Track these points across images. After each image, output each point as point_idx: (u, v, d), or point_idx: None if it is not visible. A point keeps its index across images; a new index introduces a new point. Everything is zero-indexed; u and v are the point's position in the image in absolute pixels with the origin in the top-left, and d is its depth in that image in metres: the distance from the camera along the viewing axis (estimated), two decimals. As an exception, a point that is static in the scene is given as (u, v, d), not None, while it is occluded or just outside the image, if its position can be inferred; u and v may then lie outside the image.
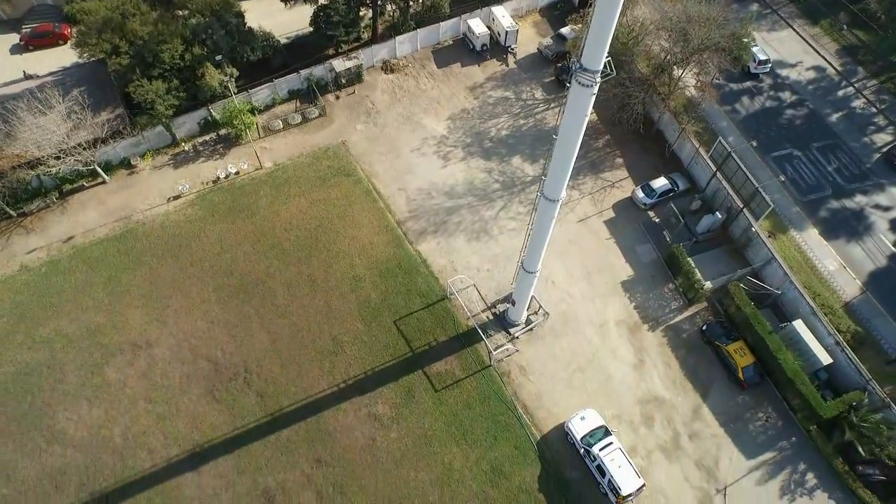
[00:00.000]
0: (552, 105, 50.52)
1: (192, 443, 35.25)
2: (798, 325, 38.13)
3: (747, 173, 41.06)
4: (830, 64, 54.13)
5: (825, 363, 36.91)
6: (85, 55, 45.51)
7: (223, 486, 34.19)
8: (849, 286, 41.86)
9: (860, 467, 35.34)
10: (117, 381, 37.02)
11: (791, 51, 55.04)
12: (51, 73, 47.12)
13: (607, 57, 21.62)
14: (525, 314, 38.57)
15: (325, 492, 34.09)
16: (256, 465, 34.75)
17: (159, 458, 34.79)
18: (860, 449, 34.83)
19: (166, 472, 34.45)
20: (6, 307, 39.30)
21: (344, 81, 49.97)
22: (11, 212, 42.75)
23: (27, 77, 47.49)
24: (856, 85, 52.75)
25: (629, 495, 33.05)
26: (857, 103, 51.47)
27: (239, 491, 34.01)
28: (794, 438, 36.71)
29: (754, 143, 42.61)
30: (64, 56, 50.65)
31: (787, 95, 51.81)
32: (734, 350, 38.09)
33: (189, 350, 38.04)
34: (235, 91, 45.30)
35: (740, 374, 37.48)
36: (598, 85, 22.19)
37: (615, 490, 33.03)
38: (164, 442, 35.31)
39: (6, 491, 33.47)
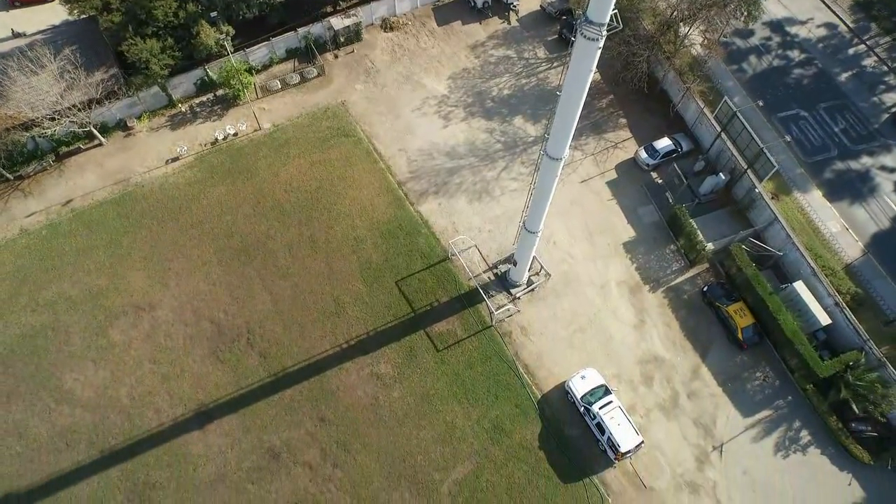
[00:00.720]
0: (555, 64, 49.47)
1: (198, 402, 35.82)
2: (798, 286, 38.20)
3: (752, 133, 40.45)
4: (842, 20, 52.71)
5: (824, 324, 37.14)
6: (75, 12, 44.20)
7: (229, 444, 34.89)
8: (851, 248, 41.77)
9: (853, 424, 36.01)
10: (122, 342, 37.37)
11: (802, 7, 53.54)
12: (40, 32, 45.90)
13: (613, 9, 20.96)
14: (526, 275, 38.63)
15: (329, 449, 34.81)
16: (261, 423, 35.39)
17: (166, 418, 35.41)
18: (854, 407, 35.39)
19: (173, 431, 35.13)
20: (8, 270, 39.38)
21: (342, 40, 48.80)
22: (8, 175, 42.37)
23: (15, 35, 46.29)
24: (868, 42, 51.48)
25: (628, 452, 33.73)
26: (868, 61, 50.29)
27: (245, 448, 34.73)
28: (790, 397, 37.26)
29: (760, 103, 41.92)
30: (53, 13, 49.20)
31: (795, 54, 50.65)
32: (734, 311, 38.28)
33: (192, 312, 38.27)
34: (232, 50, 44.23)
35: (740, 335, 37.76)
36: (603, 39, 21.59)
37: (614, 447, 33.69)
38: (170, 402, 35.87)
39: (20, 448, 34.25)
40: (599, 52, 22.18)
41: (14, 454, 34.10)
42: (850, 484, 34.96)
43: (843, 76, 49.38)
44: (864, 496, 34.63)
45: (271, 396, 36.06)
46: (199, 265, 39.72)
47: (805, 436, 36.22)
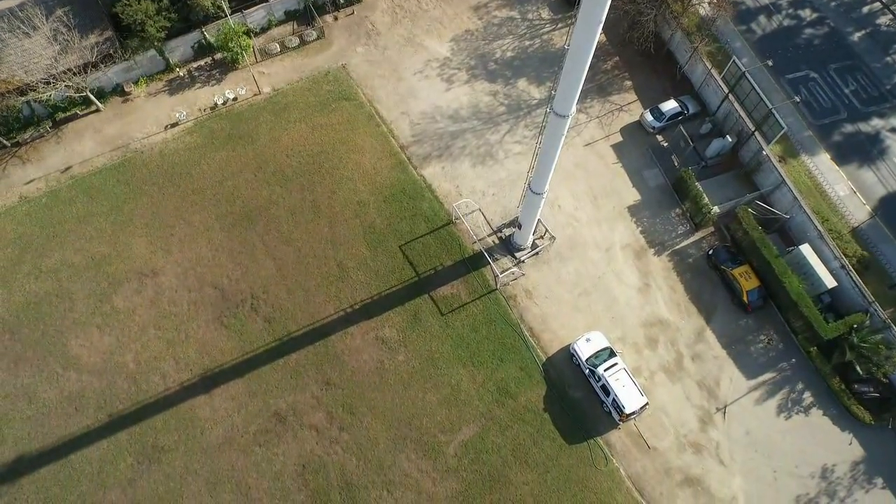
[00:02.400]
0: (559, 25, 48.31)
1: (203, 367, 35.98)
2: (805, 249, 37.99)
3: (761, 94, 39.68)
4: (855, -23, 51.21)
5: (829, 286, 37.04)
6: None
7: (235, 408, 35.16)
8: (858, 211, 41.42)
9: (856, 385, 36.23)
10: (126, 309, 37.35)
11: (813, -36, 51.97)
12: (29, -9, 44.62)
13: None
14: (531, 238, 38.37)
15: (335, 412, 35.09)
16: (267, 388, 35.60)
17: (172, 383, 35.61)
18: (858, 368, 35.53)
19: (180, 396, 35.37)
20: (10, 238, 39.16)
21: (342, 1, 47.59)
22: (5, 142, 41.79)
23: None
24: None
25: (632, 413, 33.96)
26: (883, 20, 48.99)
27: (251, 412, 35.01)
28: (793, 360, 37.40)
29: (770, 63, 40.93)
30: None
31: (807, 13, 49.36)
32: (739, 274, 38.12)
33: (195, 278, 38.16)
34: (229, 12, 43.17)
35: (745, 298, 37.67)
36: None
37: (619, 408, 33.90)
38: (176, 367, 36.04)
39: (30, 412, 34.57)
40: None
41: (25, 418, 34.44)
42: (850, 444, 35.35)
43: (856, 36, 48.20)
44: (863, 455, 35.06)
45: (276, 361, 36.20)
46: (201, 231, 39.47)
47: (808, 397, 36.47)
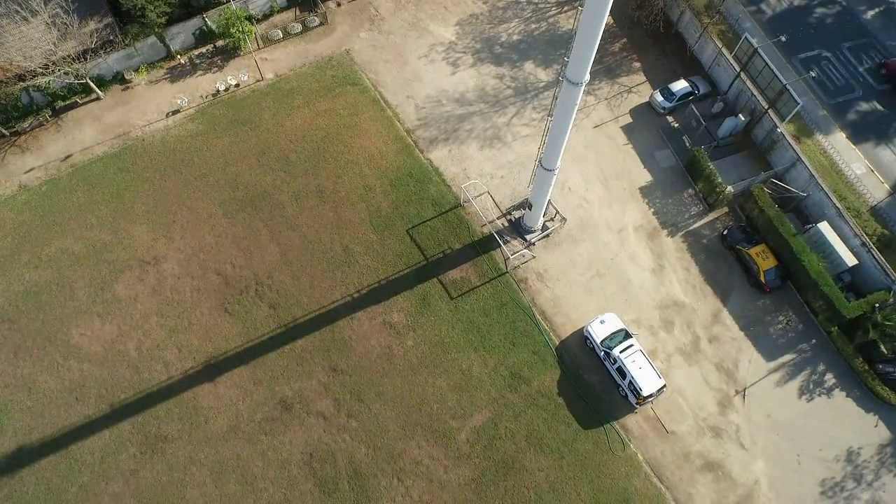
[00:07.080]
0: (565, 9, 47.55)
1: (207, 355, 35.07)
2: (823, 227, 37.01)
3: (774, 70, 38.80)
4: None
5: (850, 265, 36.05)
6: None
7: (240, 396, 34.23)
8: (876, 190, 40.39)
9: (880, 366, 35.13)
10: (127, 297, 36.51)
11: (823, -56, 51.10)
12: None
13: None
14: (541, 220, 37.43)
15: (342, 399, 34.12)
16: (272, 375, 34.67)
17: (175, 371, 34.71)
18: (882, 348, 34.45)
19: (182, 384, 34.45)
20: (9, 227, 38.39)
21: (344, -13, 46.95)
22: (4, 131, 41.10)
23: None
24: (895, -23, 49.14)
25: (650, 396, 32.90)
26: (896, -4, 48.20)
27: (256, 400, 34.08)
28: (814, 340, 36.34)
29: (783, 38, 39.98)
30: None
31: (817, -8, 48.55)
32: (756, 254, 37.11)
33: (198, 264, 37.31)
34: (230, -4, 42.58)
35: (762, 277, 36.65)
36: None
37: (636, 391, 32.84)
38: (179, 355, 35.14)
39: (30, 403, 33.68)
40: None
41: (25, 408, 33.54)
42: (876, 425, 34.22)
43: (870, 14, 47.27)
44: (890, 437, 33.93)
45: (282, 348, 35.28)
46: (204, 218, 38.65)
47: (830, 378, 35.37)
